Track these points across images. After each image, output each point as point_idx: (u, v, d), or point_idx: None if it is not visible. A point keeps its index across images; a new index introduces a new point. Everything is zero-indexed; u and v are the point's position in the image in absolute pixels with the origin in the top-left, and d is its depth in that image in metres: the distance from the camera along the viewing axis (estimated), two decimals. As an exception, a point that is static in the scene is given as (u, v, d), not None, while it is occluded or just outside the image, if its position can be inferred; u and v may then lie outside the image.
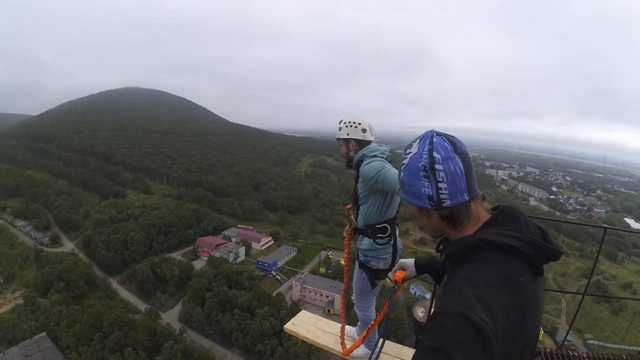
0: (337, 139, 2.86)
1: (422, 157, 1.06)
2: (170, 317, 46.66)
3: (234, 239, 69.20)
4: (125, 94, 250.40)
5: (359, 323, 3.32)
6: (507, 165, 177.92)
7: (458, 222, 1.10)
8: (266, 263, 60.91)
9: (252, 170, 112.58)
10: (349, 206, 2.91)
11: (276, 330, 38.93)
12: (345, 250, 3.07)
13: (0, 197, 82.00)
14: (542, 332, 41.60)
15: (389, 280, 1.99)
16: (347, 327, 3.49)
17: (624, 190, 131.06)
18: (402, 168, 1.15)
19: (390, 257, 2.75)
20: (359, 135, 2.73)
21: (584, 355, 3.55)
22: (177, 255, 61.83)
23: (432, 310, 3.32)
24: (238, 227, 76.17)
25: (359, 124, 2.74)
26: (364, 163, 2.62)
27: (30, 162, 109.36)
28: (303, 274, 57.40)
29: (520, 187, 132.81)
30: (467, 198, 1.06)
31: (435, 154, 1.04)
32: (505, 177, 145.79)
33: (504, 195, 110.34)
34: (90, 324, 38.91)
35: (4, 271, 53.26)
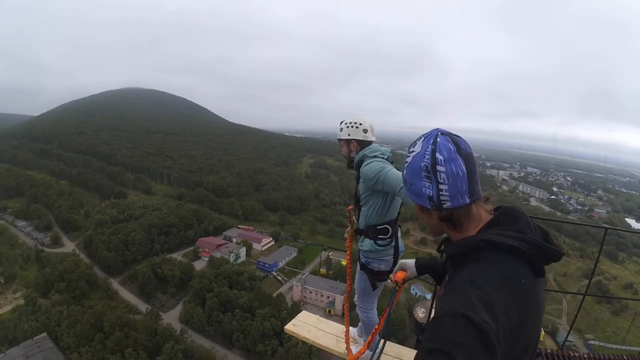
0: (338, 139, 2.85)
1: (424, 157, 1.05)
2: (171, 317, 46.69)
3: (234, 240, 69.19)
4: (126, 95, 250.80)
5: (359, 324, 3.32)
6: (508, 165, 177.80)
7: (458, 224, 1.10)
8: (267, 263, 60.90)
9: (252, 170, 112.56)
10: (350, 207, 2.89)
11: (277, 331, 38.92)
12: (347, 252, 3.05)
13: (1, 197, 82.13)
14: (543, 332, 41.55)
15: (390, 282, 1.99)
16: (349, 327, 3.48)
17: (624, 191, 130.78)
18: (405, 166, 1.13)
19: (392, 259, 2.74)
20: (360, 136, 2.72)
21: (585, 356, 3.54)
22: (177, 256, 61.86)
23: (433, 311, 3.32)
24: (239, 228, 76.19)
25: (360, 124, 2.73)
26: (364, 164, 2.61)
27: (31, 163, 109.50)
28: (304, 274, 57.36)
29: (521, 188, 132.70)
30: (467, 201, 1.05)
31: (437, 154, 1.02)
32: (506, 178, 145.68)
33: (504, 196, 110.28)
34: (91, 325, 38.96)
35: (5, 271, 53.33)
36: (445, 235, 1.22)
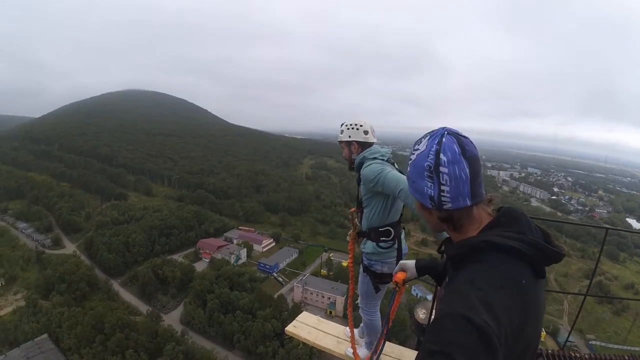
0: (339, 141, 2.85)
1: (428, 156, 1.04)
2: (172, 319, 46.70)
3: (235, 241, 69.17)
4: (126, 96, 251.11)
5: (361, 324, 3.31)
6: (509, 165, 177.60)
7: (458, 225, 1.10)
8: (267, 265, 60.87)
9: (253, 171, 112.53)
10: (352, 210, 2.89)
11: (278, 332, 38.86)
12: (350, 255, 3.05)
13: (2, 199, 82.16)
14: (544, 333, 41.50)
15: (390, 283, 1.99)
16: (348, 328, 3.48)
17: (625, 191, 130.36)
18: (409, 163, 1.13)
19: (395, 261, 2.72)
20: (361, 138, 2.72)
21: (586, 356, 3.53)
22: (178, 257, 61.85)
23: (434, 312, 3.31)
24: (239, 229, 76.16)
25: (361, 126, 2.73)
26: (364, 166, 2.60)
27: (32, 164, 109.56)
28: (304, 275, 57.26)
29: (521, 188, 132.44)
30: (469, 203, 1.04)
31: (442, 155, 1.01)
32: (507, 178, 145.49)
33: (505, 196, 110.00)
34: (91, 326, 38.97)
35: (5, 273, 53.34)
36: (445, 236, 1.22)
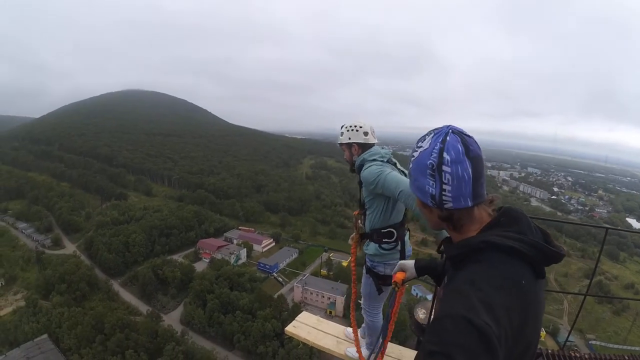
0: (339, 144, 2.83)
1: (431, 154, 1.03)
2: (172, 319, 46.69)
3: (235, 241, 69.15)
4: (127, 96, 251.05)
5: (363, 325, 3.31)
6: (509, 165, 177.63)
7: (458, 225, 1.09)
8: (267, 265, 60.86)
9: (253, 172, 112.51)
10: (356, 212, 2.88)
11: (278, 332, 38.84)
12: (352, 259, 3.03)
13: (2, 199, 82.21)
14: (544, 333, 41.52)
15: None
16: (348, 328, 3.49)
17: (625, 190, 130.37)
18: (411, 160, 1.12)
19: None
20: (361, 139, 2.71)
21: (586, 356, 3.53)
22: (178, 257, 61.83)
23: (434, 312, 3.31)
24: (239, 229, 76.14)
25: (360, 127, 2.71)
26: (364, 168, 2.59)
27: (32, 164, 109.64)
28: (304, 275, 57.25)
29: (521, 188, 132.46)
30: (470, 204, 1.04)
31: (445, 154, 1.00)
32: (507, 178, 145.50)
33: (505, 196, 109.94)
34: (91, 326, 38.97)
35: (5, 273, 53.35)
36: (445, 234, 1.21)
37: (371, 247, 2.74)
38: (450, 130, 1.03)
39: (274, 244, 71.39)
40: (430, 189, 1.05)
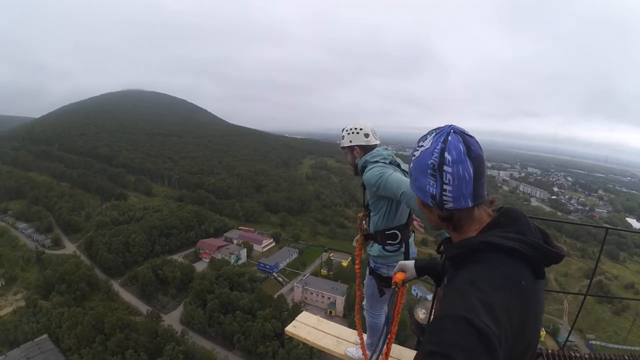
0: (341, 147, 2.82)
1: (432, 154, 1.02)
2: (172, 319, 46.70)
3: (235, 241, 69.17)
4: (127, 96, 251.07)
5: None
6: (509, 165, 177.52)
7: (458, 225, 1.09)
8: (267, 265, 60.87)
9: (253, 172, 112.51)
10: (360, 215, 2.87)
11: (278, 332, 38.85)
12: (357, 261, 3.02)
13: (2, 199, 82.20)
14: (544, 332, 41.51)
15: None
16: (348, 329, 3.49)
17: (625, 190, 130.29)
18: (412, 159, 1.11)
19: None
20: (362, 141, 2.70)
21: (586, 356, 3.53)
22: (178, 257, 61.84)
23: (434, 312, 3.31)
24: (239, 229, 76.15)
25: (361, 129, 2.71)
26: (365, 170, 2.58)
27: (32, 164, 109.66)
28: (304, 275, 57.28)
29: (521, 188, 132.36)
30: (470, 204, 1.03)
31: (446, 154, 0.99)
32: (507, 178, 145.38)
33: (505, 196, 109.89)
34: (91, 326, 38.97)
35: (5, 273, 53.34)
36: (445, 234, 1.21)
37: (375, 249, 2.73)
38: (452, 130, 1.02)
39: (274, 244, 71.39)
40: (431, 188, 1.04)
